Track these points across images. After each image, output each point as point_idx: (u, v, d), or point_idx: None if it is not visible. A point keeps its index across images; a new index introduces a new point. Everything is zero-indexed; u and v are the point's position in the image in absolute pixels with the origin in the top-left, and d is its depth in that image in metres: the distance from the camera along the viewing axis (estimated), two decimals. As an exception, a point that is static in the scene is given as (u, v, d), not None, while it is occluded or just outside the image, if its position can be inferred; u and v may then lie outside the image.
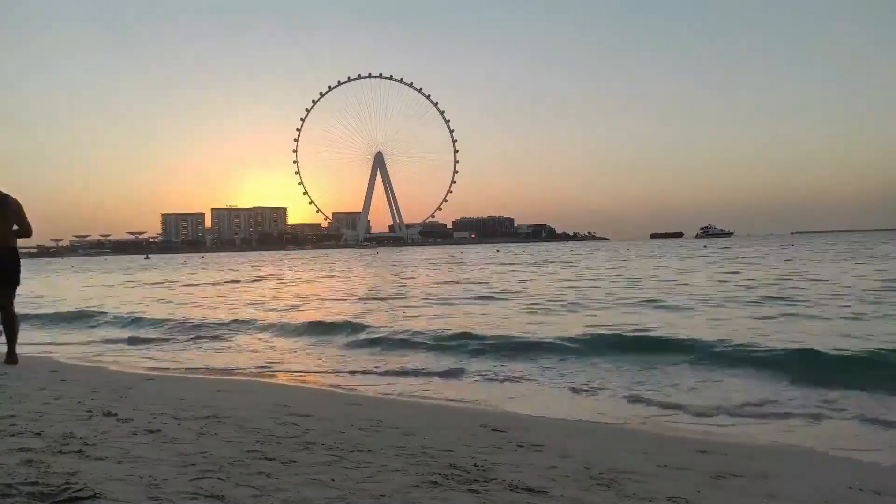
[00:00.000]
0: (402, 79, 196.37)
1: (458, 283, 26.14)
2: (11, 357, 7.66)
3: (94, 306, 18.38)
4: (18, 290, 7.66)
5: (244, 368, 8.55)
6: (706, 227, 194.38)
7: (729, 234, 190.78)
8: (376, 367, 8.53)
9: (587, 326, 11.16)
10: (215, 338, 11.87)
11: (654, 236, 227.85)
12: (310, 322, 13.12)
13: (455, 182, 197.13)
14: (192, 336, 12.19)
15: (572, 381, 7.34)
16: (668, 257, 48.92)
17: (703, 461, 4.17)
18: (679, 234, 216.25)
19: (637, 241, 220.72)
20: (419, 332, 10.99)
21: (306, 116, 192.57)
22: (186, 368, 8.63)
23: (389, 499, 2.90)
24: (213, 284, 31.16)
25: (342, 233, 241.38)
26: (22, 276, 7.56)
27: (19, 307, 8.71)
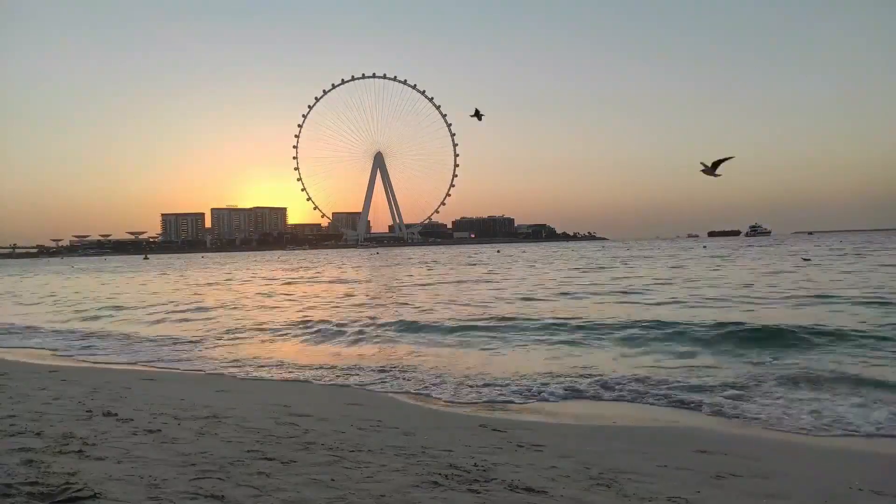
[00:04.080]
0: (405, 80, 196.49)
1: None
2: None
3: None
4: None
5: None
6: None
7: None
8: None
9: None
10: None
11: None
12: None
13: (454, 186, 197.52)
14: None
15: None
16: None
17: (703, 461, 4.17)
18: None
19: (640, 240, 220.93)
20: None
21: (307, 115, 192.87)
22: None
23: (389, 499, 2.90)
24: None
25: (342, 232, 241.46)
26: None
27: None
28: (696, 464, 4.08)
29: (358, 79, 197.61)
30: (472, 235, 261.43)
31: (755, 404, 6.21)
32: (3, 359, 9.21)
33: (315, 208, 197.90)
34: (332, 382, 7.73)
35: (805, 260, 35.22)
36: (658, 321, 11.80)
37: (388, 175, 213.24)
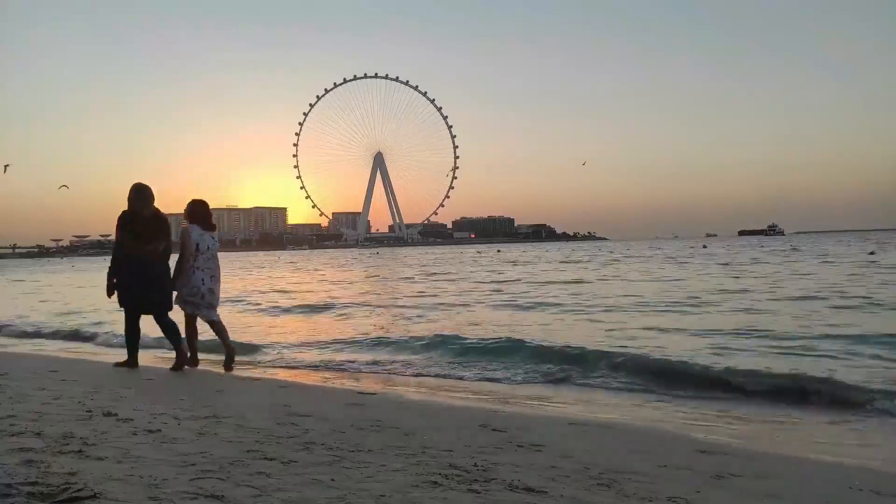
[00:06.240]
0: (407, 81, 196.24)
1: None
2: None
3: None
4: None
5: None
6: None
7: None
8: None
9: None
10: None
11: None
12: None
13: (454, 187, 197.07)
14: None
15: None
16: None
17: (703, 461, 4.17)
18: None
19: (638, 241, 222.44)
20: None
21: (307, 114, 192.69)
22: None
23: (389, 499, 2.90)
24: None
25: (342, 233, 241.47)
26: None
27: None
28: (696, 464, 4.08)
29: (359, 78, 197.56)
30: (472, 235, 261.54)
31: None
32: (4, 359, 9.20)
33: (313, 207, 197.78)
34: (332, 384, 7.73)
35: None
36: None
37: (388, 175, 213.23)
